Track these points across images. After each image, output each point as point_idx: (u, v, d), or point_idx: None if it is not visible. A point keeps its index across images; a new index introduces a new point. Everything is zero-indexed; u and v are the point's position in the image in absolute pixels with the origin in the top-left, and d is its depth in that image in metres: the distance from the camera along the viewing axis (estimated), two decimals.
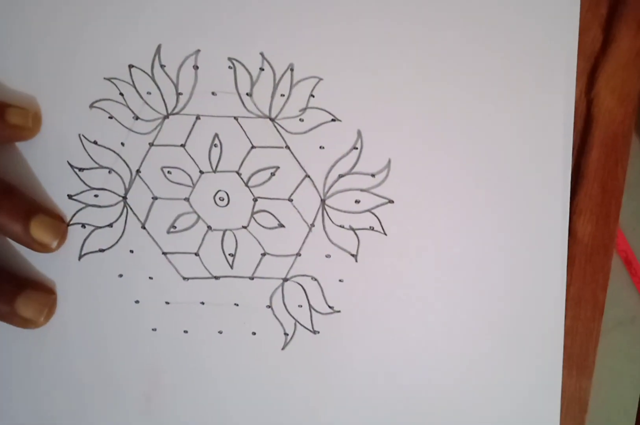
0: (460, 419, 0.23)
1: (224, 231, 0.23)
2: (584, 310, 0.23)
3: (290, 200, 0.23)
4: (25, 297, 0.20)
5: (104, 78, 0.23)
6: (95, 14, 0.23)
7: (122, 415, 0.23)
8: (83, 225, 0.23)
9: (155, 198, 0.23)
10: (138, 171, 0.23)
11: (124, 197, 0.23)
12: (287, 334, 0.23)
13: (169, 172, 0.23)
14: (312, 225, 0.23)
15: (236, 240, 0.23)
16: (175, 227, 0.23)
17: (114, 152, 0.23)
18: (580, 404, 0.23)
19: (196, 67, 0.23)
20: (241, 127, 0.23)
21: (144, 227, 0.23)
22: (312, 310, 0.23)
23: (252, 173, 0.23)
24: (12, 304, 0.19)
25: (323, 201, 0.23)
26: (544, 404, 0.23)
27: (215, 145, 0.23)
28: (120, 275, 0.23)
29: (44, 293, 0.21)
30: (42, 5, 0.22)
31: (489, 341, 0.23)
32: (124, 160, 0.23)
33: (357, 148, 0.23)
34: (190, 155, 0.23)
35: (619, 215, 0.23)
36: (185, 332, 0.23)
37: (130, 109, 0.23)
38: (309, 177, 0.23)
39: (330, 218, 0.23)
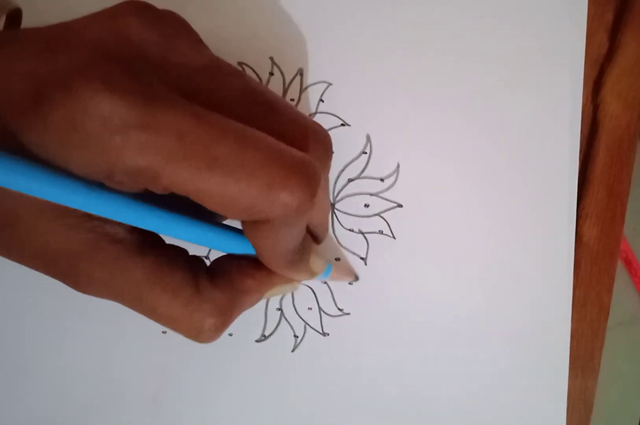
0: (467, 420, 0.23)
1: None
2: (590, 313, 0.24)
3: None
4: (315, 251, 0.19)
5: None
6: None
7: (130, 416, 0.23)
8: None
9: None
10: None
11: None
12: (297, 336, 0.23)
13: None
14: None
15: None
16: None
17: None
18: (585, 405, 0.23)
19: None
20: None
21: None
22: (322, 313, 0.23)
23: None
24: (309, 259, 0.19)
25: (332, 205, 0.23)
26: (550, 405, 0.23)
27: None
28: None
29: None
30: (47, 9, 0.22)
31: (496, 343, 0.23)
32: None
33: (366, 152, 0.23)
34: None
35: (625, 219, 0.23)
36: None
37: None
38: None
39: (339, 222, 0.23)
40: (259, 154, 0.13)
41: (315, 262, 0.19)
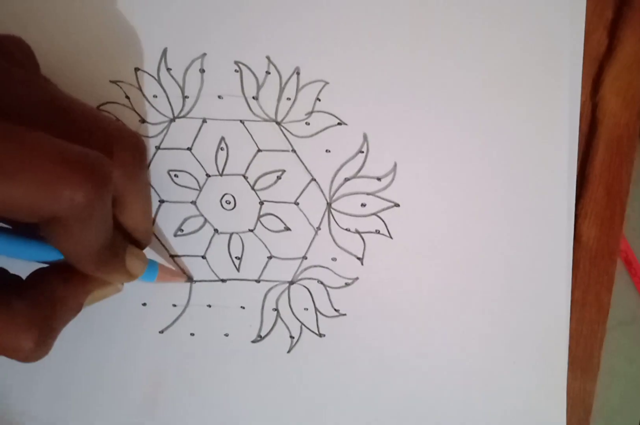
0: (465, 421, 0.23)
1: (231, 234, 0.23)
2: (589, 313, 0.23)
3: (297, 203, 0.23)
4: (130, 252, 0.19)
5: (110, 81, 0.23)
6: (100, 17, 0.23)
7: (127, 418, 0.23)
8: None
9: (162, 201, 0.23)
10: None
11: None
12: (293, 337, 0.23)
13: (175, 175, 0.23)
14: (318, 228, 0.23)
15: (243, 244, 0.23)
16: (182, 230, 0.23)
17: None
18: (584, 406, 0.23)
19: (202, 71, 0.23)
20: (247, 130, 0.23)
21: None
22: (318, 313, 0.23)
23: (259, 176, 0.23)
24: (124, 259, 0.19)
25: (329, 204, 0.23)
26: (550, 406, 0.23)
27: (222, 149, 0.23)
28: None
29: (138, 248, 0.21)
30: (48, 8, 0.22)
31: (495, 344, 0.23)
32: None
33: (363, 152, 0.23)
34: (196, 159, 0.23)
35: (624, 219, 0.23)
36: (192, 334, 0.23)
37: (136, 112, 0.23)
38: (315, 180, 0.23)
39: (336, 221, 0.23)
40: (38, 152, 0.14)
41: (133, 263, 0.19)
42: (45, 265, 0.18)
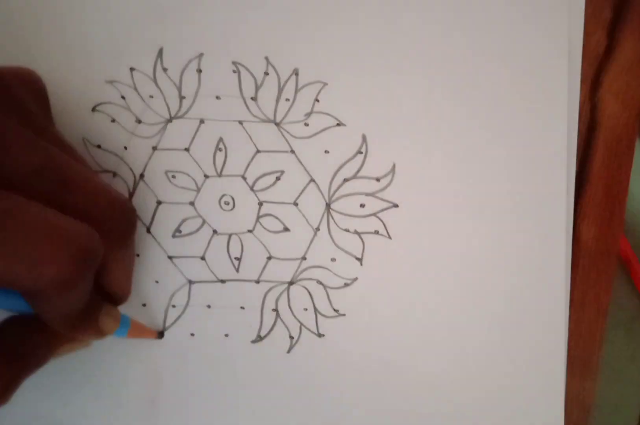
0: (464, 421, 0.23)
1: (230, 235, 0.23)
2: (588, 313, 0.23)
3: (296, 204, 0.23)
4: (105, 312, 0.19)
5: (105, 81, 0.22)
6: (96, 16, 0.22)
7: (126, 419, 0.23)
8: None
9: (159, 202, 0.23)
10: (142, 175, 0.23)
11: None
12: (293, 337, 0.23)
13: (173, 176, 0.23)
14: (317, 229, 0.23)
15: (242, 244, 0.23)
16: (181, 231, 0.23)
17: (117, 156, 0.23)
18: (584, 405, 0.23)
19: (199, 71, 0.23)
20: (246, 131, 0.23)
21: (149, 231, 0.23)
22: (318, 314, 0.23)
23: (257, 177, 0.23)
24: (98, 319, 0.19)
25: (328, 205, 0.23)
26: (548, 406, 0.23)
27: (220, 150, 0.23)
28: None
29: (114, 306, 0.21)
30: (43, 8, 0.22)
31: (493, 344, 0.23)
32: (127, 164, 0.23)
33: (361, 152, 0.23)
34: (194, 159, 0.23)
35: (623, 219, 0.23)
36: (192, 335, 0.23)
37: (132, 113, 0.23)
38: (314, 181, 0.23)
39: (335, 222, 0.23)
40: (29, 227, 0.13)
41: (105, 323, 0.19)
42: (15, 314, 0.18)
